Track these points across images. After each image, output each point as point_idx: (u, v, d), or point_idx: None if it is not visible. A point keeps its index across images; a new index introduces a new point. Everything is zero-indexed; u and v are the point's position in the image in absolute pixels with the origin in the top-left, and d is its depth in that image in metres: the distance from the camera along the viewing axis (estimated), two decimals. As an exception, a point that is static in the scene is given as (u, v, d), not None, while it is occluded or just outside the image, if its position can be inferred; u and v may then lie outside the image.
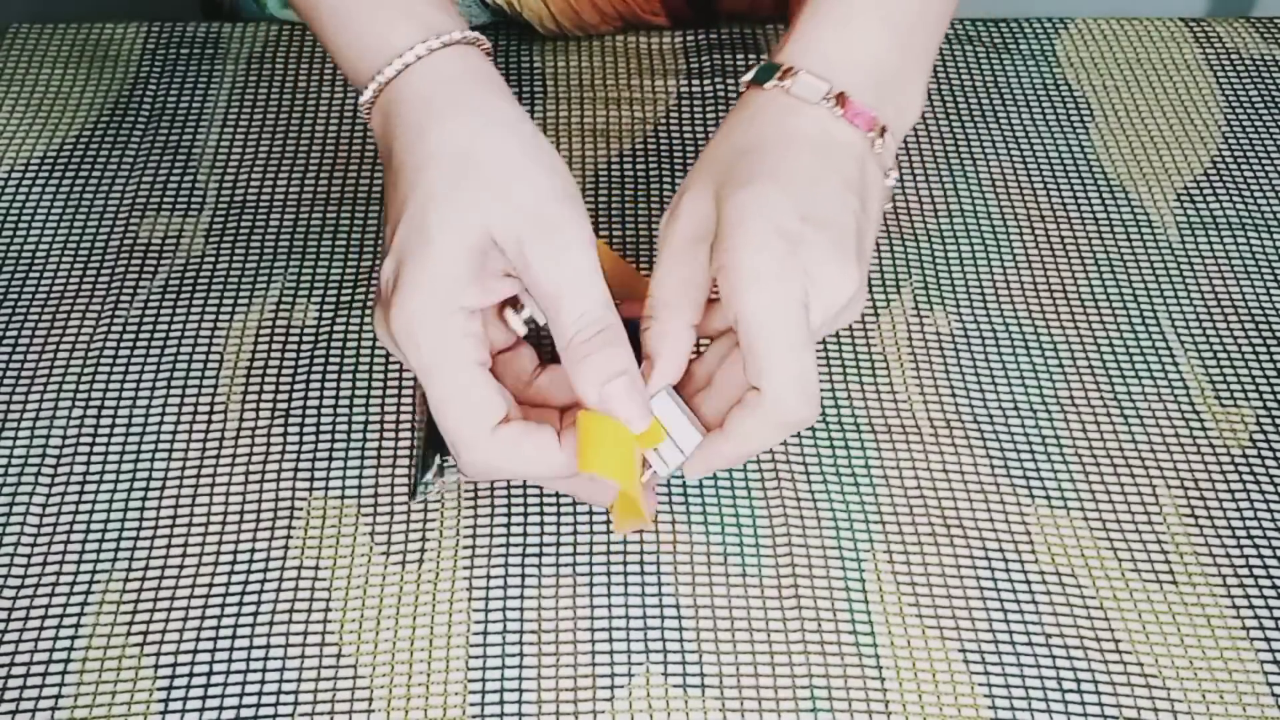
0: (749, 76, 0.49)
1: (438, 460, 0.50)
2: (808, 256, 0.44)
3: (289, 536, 0.50)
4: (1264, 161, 0.65)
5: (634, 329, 0.47)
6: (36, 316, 0.57)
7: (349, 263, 0.59)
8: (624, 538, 0.50)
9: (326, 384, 0.55)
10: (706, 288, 0.46)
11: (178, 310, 0.57)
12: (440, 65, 0.45)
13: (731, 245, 0.44)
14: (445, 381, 0.43)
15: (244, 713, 0.46)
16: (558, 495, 0.52)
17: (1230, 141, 0.66)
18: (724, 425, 0.45)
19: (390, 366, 0.56)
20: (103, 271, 0.59)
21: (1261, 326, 0.58)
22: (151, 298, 0.58)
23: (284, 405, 0.54)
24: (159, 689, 0.46)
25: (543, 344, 0.49)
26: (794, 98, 0.47)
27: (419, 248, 0.43)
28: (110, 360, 0.55)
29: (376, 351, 0.56)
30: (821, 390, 0.55)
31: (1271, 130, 0.67)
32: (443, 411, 0.44)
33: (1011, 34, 0.71)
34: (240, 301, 0.58)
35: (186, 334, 0.56)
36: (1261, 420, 0.55)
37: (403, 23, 0.46)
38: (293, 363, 0.56)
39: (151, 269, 0.59)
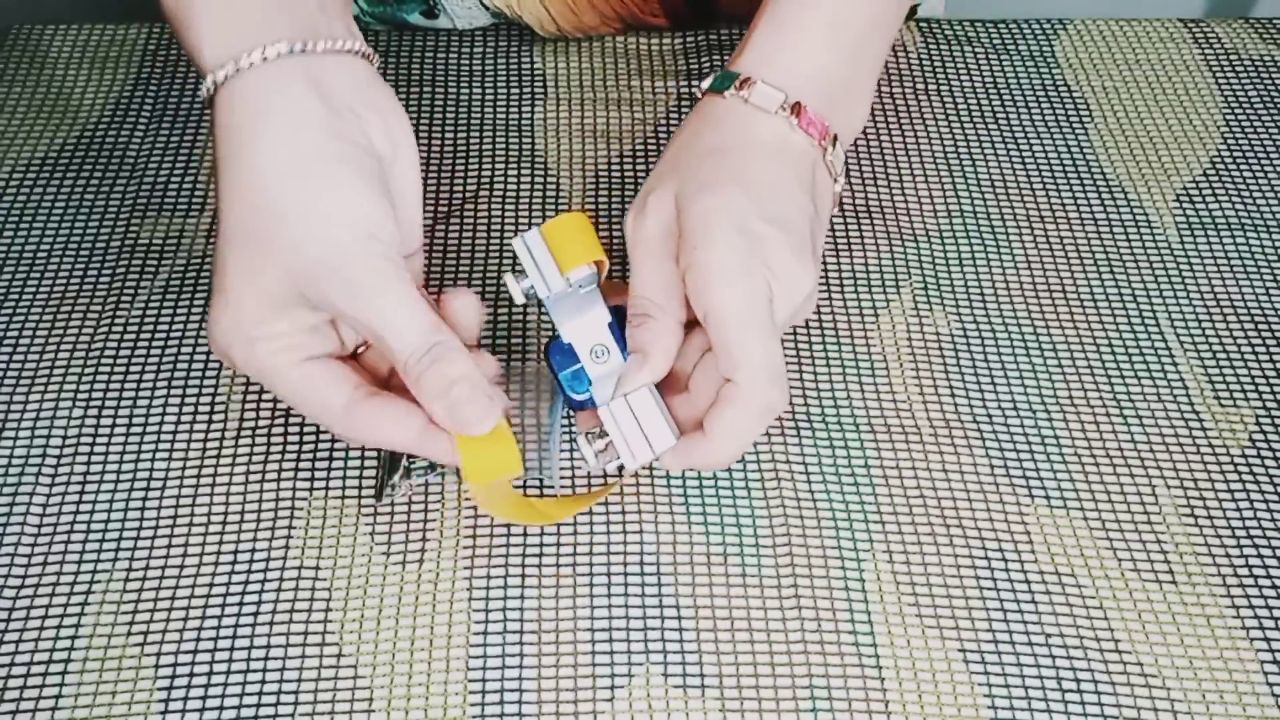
0: (707, 84, 0.52)
1: (403, 463, 0.51)
2: (768, 253, 0.46)
3: (289, 536, 0.50)
4: (1263, 161, 0.65)
5: (616, 313, 0.49)
6: (37, 316, 0.57)
7: (349, 263, 0.59)
8: (624, 538, 0.50)
9: (327, 384, 0.55)
10: (680, 283, 0.48)
11: (178, 310, 0.57)
12: (265, 80, 0.44)
13: (699, 244, 0.46)
14: (276, 387, 0.46)
15: (244, 713, 0.46)
16: (558, 496, 0.52)
17: (1230, 141, 0.66)
18: (704, 426, 0.47)
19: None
20: (103, 271, 0.59)
21: (1261, 326, 0.58)
22: (152, 298, 0.58)
23: (284, 405, 0.54)
24: (159, 689, 0.46)
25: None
26: (752, 106, 0.50)
27: (221, 286, 0.44)
28: (110, 360, 0.55)
29: (376, 352, 0.56)
30: (821, 390, 0.55)
31: (1271, 130, 0.67)
32: (295, 407, 0.46)
33: (1011, 34, 0.71)
34: (240, 302, 0.58)
35: (187, 334, 0.56)
36: (1261, 420, 0.55)
37: (250, 23, 0.44)
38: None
39: (152, 269, 0.59)
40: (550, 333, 0.54)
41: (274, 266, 0.44)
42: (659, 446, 0.48)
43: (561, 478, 0.52)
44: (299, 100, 0.44)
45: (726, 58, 0.69)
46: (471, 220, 0.61)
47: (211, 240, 0.60)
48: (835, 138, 0.51)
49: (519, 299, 0.48)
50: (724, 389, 0.46)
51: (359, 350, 0.49)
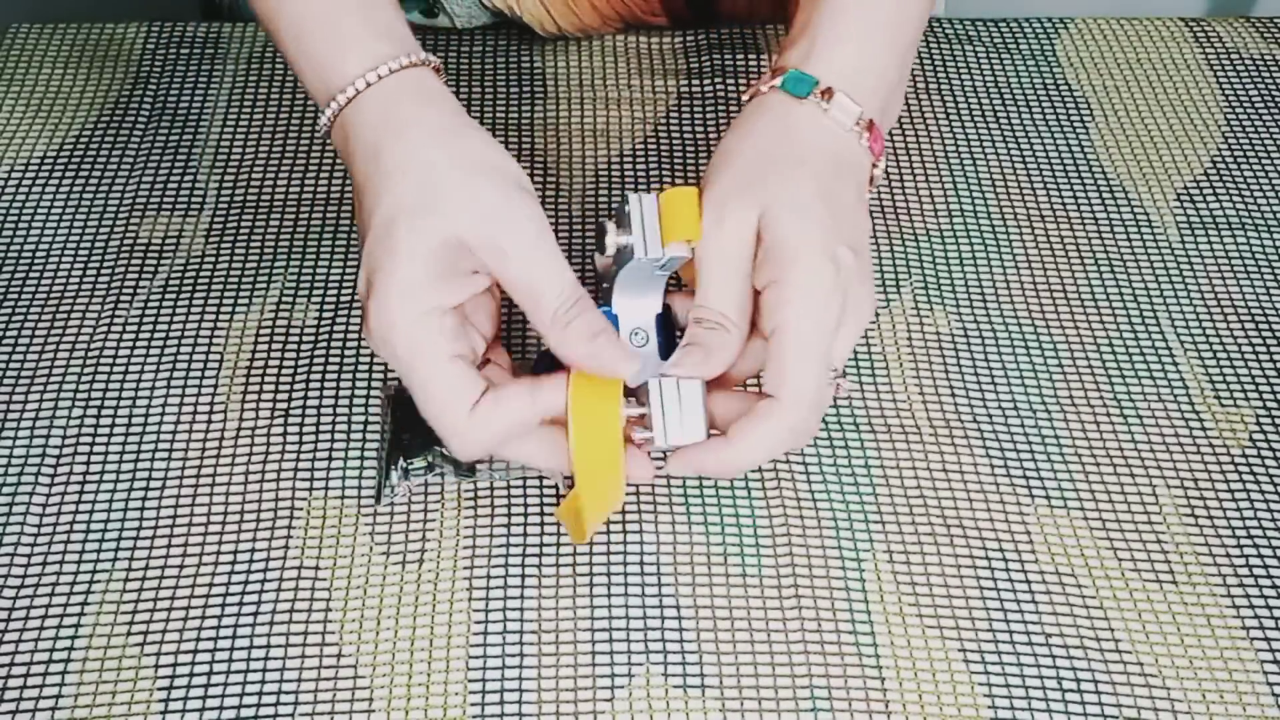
0: (777, 83, 0.50)
1: (401, 464, 0.51)
2: (848, 281, 0.47)
3: (289, 536, 0.50)
4: (1264, 161, 0.65)
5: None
6: (36, 316, 0.57)
7: (349, 263, 0.59)
8: (624, 538, 0.50)
9: (326, 384, 0.55)
10: (751, 299, 0.48)
11: (178, 310, 0.57)
12: (390, 90, 0.48)
13: (789, 265, 0.46)
14: (422, 377, 0.46)
15: (244, 713, 0.46)
16: (557, 495, 0.52)
17: (1230, 141, 0.66)
18: (729, 432, 0.47)
19: (389, 367, 0.55)
20: (103, 271, 0.59)
21: (1261, 326, 0.58)
22: (151, 298, 0.58)
23: (284, 405, 0.54)
24: (159, 689, 0.46)
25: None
26: (831, 119, 0.49)
27: (387, 258, 0.46)
28: (110, 360, 0.55)
29: (376, 351, 0.56)
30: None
31: (1271, 130, 0.67)
32: (424, 404, 0.46)
33: (1011, 34, 0.71)
34: (240, 301, 0.58)
35: (186, 334, 0.56)
36: (1261, 420, 0.55)
37: (354, 52, 0.48)
38: (293, 363, 0.56)
39: (151, 269, 0.59)
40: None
41: (448, 225, 0.45)
42: (689, 437, 0.47)
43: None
44: (438, 94, 0.49)
45: (727, 57, 0.69)
46: (471, 220, 0.61)
47: (211, 240, 0.60)
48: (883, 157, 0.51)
49: (609, 250, 0.48)
50: (762, 403, 0.46)
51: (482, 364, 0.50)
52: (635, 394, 0.48)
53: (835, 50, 0.50)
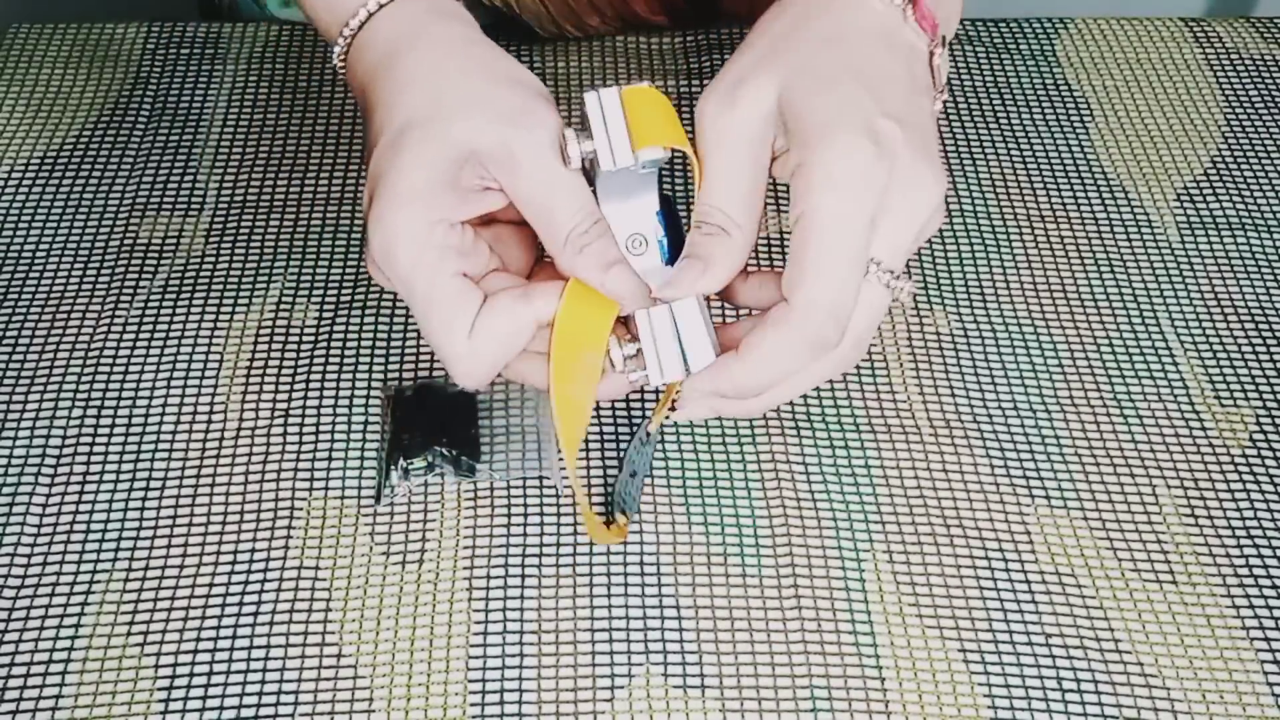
0: None
1: (401, 464, 0.51)
2: (896, 154, 0.41)
3: (289, 536, 0.50)
4: (1264, 161, 0.65)
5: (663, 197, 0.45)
6: (36, 316, 0.57)
7: (349, 263, 0.59)
8: (624, 539, 0.50)
9: (326, 384, 0.55)
10: (764, 195, 0.44)
11: (178, 310, 0.57)
12: (403, 7, 0.46)
13: (817, 146, 0.41)
14: (423, 294, 0.43)
15: (244, 713, 0.46)
16: (557, 496, 0.52)
17: (1230, 141, 0.66)
18: (740, 345, 0.43)
19: (389, 367, 0.56)
20: (103, 271, 0.59)
21: (1261, 326, 0.58)
22: (151, 298, 0.58)
23: (284, 405, 0.54)
24: (159, 689, 0.46)
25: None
26: None
27: (393, 164, 0.43)
28: (110, 360, 0.55)
29: (376, 351, 0.56)
30: (821, 390, 0.55)
31: (1271, 130, 0.67)
32: (424, 325, 0.44)
33: (1011, 34, 0.71)
34: (240, 301, 0.58)
35: (186, 334, 0.56)
36: (1261, 420, 0.55)
37: None
38: (293, 363, 0.56)
39: (151, 269, 0.59)
40: None
41: (458, 133, 0.43)
42: (696, 363, 0.42)
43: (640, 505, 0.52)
44: (452, 9, 0.47)
45: (728, 57, 0.69)
46: (471, 220, 0.61)
47: (211, 240, 0.60)
48: (944, 39, 0.46)
49: (573, 163, 0.43)
50: (774, 309, 0.41)
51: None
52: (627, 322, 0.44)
53: None
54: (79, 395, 0.54)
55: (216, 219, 0.61)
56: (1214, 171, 0.65)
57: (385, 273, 0.44)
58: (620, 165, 0.42)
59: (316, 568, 0.50)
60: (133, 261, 0.59)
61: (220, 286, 0.58)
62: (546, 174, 0.43)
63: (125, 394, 0.54)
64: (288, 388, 0.55)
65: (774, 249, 0.61)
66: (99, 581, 0.49)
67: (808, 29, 0.44)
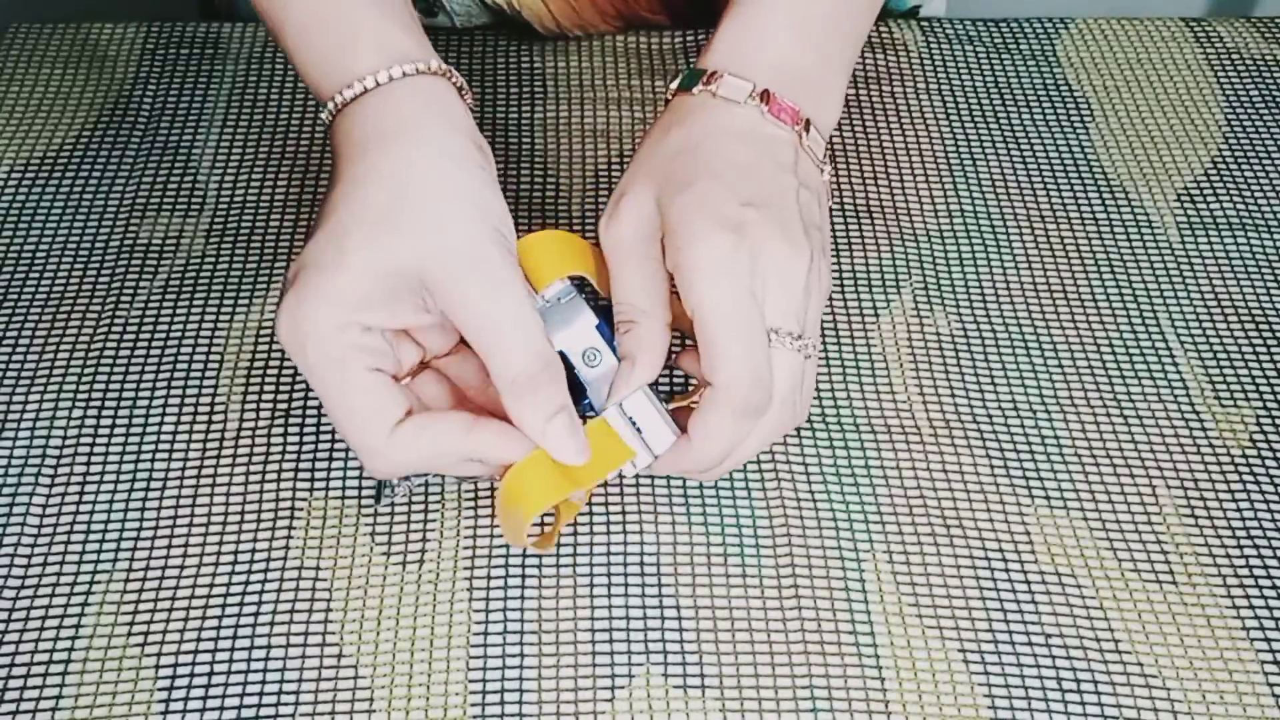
0: (674, 85, 0.51)
1: None
2: (754, 238, 0.45)
3: (289, 537, 0.50)
4: (1264, 161, 0.65)
5: (598, 308, 0.48)
6: (36, 316, 0.57)
7: (349, 263, 0.59)
8: (624, 538, 0.50)
9: (326, 384, 0.55)
10: (666, 285, 0.47)
11: (178, 310, 0.57)
12: (398, 93, 0.46)
13: (682, 244, 0.45)
14: (334, 389, 0.43)
15: (244, 713, 0.46)
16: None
17: (1230, 141, 0.66)
18: (688, 430, 0.46)
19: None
20: (103, 271, 0.59)
21: (1261, 326, 0.58)
22: (151, 298, 0.58)
23: (284, 405, 0.54)
24: (159, 689, 0.46)
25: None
26: (721, 99, 0.49)
27: (331, 259, 0.43)
28: (110, 360, 0.55)
29: (376, 351, 0.56)
30: (821, 390, 0.55)
31: (1272, 130, 0.67)
32: (335, 417, 0.44)
33: (1011, 34, 0.71)
34: (240, 301, 0.58)
35: (186, 334, 0.56)
36: (1261, 420, 0.55)
37: (369, 47, 0.47)
38: (293, 363, 0.56)
39: (151, 269, 0.59)
40: None
41: (407, 249, 0.43)
42: (659, 447, 0.47)
43: None
44: (448, 109, 0.47)
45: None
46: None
47: (211, 240, 0.60)
48: (808, 123, 0.50)
49: None
50: (705, 392, 0.45)
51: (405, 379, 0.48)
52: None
53: (729, 41, 0.51)
54: (79, 395, 0.54)
55: (216, 219, 0.61)
56: (1214, 172, 0.65)
57: (293, 358, 0.44)
58: (537, 307, 0.46)
59: (317, 568, 0.50)
60: (133, 261, 0.59)
61: (220, 286, 0.58)
62: (496, 315, 0.43)
63: (125, 394, 0.54)
64: (288, 388, 0.55)
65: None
66: (99, 581, 0.49)
67: (670, 139, 0.49)
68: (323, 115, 0.48)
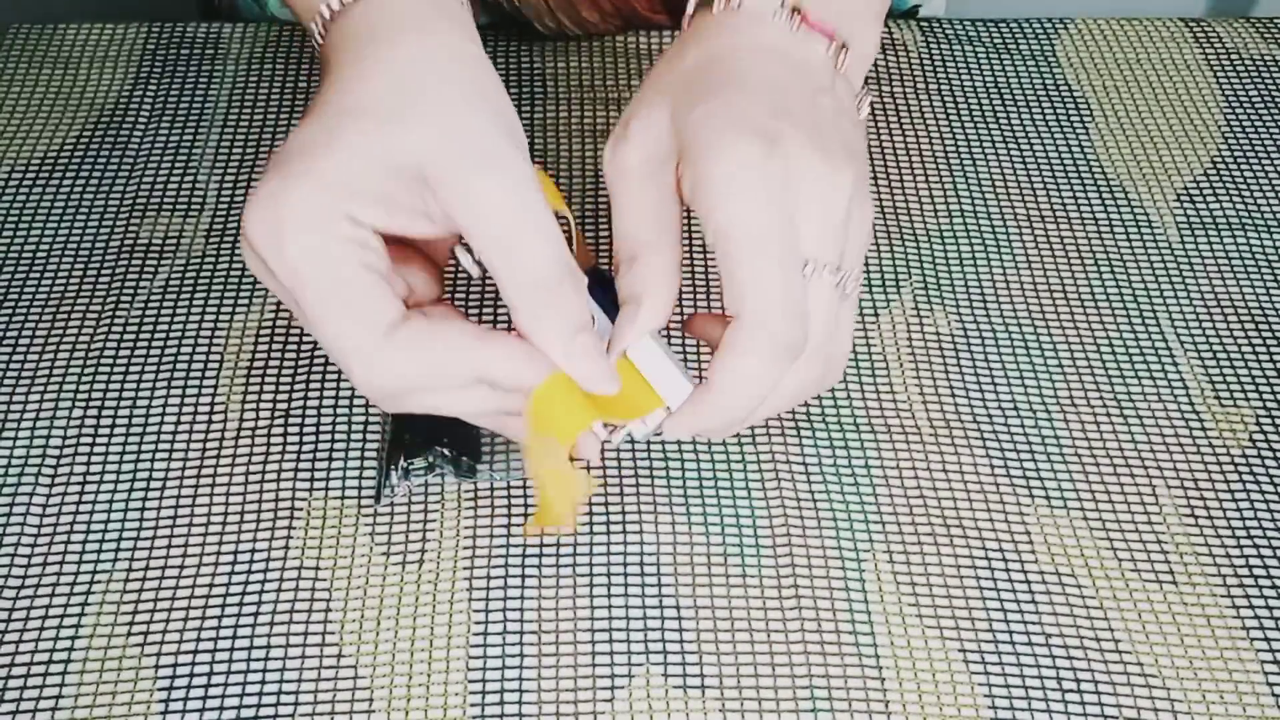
0: (692, 6, 0.44)
1: (401, 464, 0.51)
2: (787, 152, 0.38)
3: (289, 537, 0.50)
4: (1264, 161, 0.65)
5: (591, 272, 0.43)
6: (36, 316, 0.57)
7: (349, 263, 0.59)
8: (624, 538, 0.50)
9: (326, 384, 0.55)
10: (680, 217, 0.41)
11: (178, 310, 0.57)
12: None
13: (701, 156, 0.39)
14: (318, 283, 0.36)
15: (244, 713, 0.46)
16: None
17: (1230, 141, 0.66)
18: (708, 375, 0.40)
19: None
20: (103, 271, 0.59)
21: (1261, 326, 0.58)
22: (152, 298, 0.58)
23: (284, 405, 0.54)
24: (159, 689, 0.46)
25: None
26: (746, 13, 0.42)
27: (322, 141, 0.36)
28: (110, 360, 0.55)
29: (376, 351, 0.56)
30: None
31: (1271, 130, 0.67)
32: (319, 322, 0.37)
33: (1011, 34, 0.71)
34: (240, 301, 0.58)
35: (186, 334, 0.56)
36: (1261, 420, 0.55)
37: None
38: (293, 363, 0.56)
39: (152, 269, 0.59)
40: None
41: (413, 139, 0.37)
42: (675, 399, 0.40)
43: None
44: (454, 13, 0.42)
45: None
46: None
47: (211, 240, 0.60)
48: (844, 46, 0.43)
49: (474, 272, 0.41)
50: (729, 330, 0.38)
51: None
52: None
53: None
54: (79, 395, 0.54)
55: (216, 219, 0.61)
56: (1214, 171, 0.65)
57: (264, 258, 0.36)
58: None
59: (317, 568, 0.50)
60: (133, 261, 0.59)
61: (220, 286, 0.58)
62: (514, 211, 0.37)
63: (125, 394, 0.54)
64: (288, 388, 0.55)
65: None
66: (99, 581, 0.49)
67: (689, 55, 0.43)
68: (313, 33, 0.41)
